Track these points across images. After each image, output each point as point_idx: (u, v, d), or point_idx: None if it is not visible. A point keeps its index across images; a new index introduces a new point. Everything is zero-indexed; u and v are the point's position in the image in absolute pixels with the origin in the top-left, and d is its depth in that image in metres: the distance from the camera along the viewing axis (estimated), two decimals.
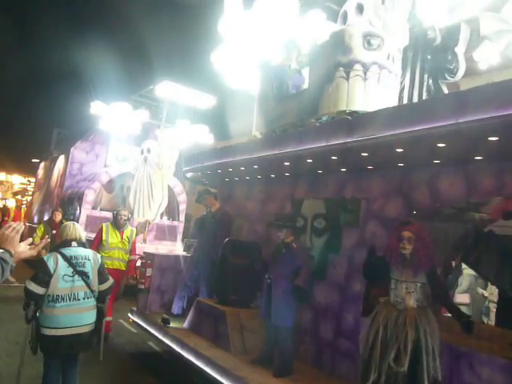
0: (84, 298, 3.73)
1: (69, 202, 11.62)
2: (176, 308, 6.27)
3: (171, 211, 12.47)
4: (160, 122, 11.98)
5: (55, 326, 3.60)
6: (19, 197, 29.99)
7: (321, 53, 4.37)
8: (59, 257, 3.70)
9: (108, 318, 6.65)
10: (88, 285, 3.76)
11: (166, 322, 5.85)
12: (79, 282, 3.72)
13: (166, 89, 10.07)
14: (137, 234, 7.27)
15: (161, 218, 11.04)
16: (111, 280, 4.05)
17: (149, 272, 6.45)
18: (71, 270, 3.71)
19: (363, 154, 3.81)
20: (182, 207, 12.59)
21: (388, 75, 4.32)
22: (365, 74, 4.19)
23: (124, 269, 6.82)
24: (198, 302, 5.76)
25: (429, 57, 4.52)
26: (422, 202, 3.97)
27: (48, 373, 3.75)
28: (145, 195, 10.77)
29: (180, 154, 10.75)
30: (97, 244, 6.85)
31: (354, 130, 3.69)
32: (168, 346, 5.37)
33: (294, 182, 5.55)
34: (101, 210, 11.90)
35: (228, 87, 6.39)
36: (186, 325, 5.83)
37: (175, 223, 12.43)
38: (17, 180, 35.76)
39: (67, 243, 3.82)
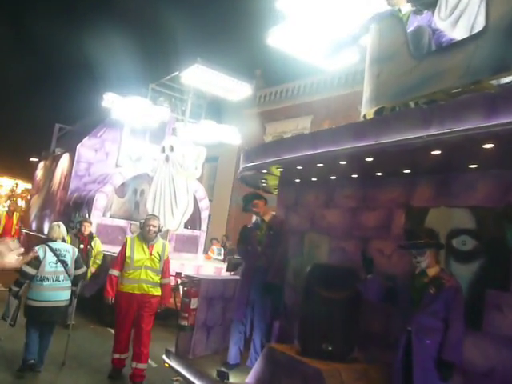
0: (63, 280, 5.03)
1: (75, 208, 9.95)
2: (233, 356, 4.63)
3: (192, 219, 10.79)
4: (180, 115, 10.38)
5: (41, 299, 4.87)
6: (6, 202, 28.13)
7: None
8: (47, 248, 5.01)
9: (141, 366, 5.07)
10: (67, 270, 5.07)
11: (223, 376, 4.22)
12: (60, 268, 5.03)
13: (197, 75, 8.46)
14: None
15: (184, 227, 9.40)
16: (84, 268, 5.53)
17: (194, 303, 4.81)
18: (55, 258, 5.01)
19: None
20: (205, 215, 10.95)
21: None
22: None
23: (156, 293, 5.26)
24: (271, 351, 4.11)
25: None
26: None
27: (30, 335, 4.94)
28: (166, 201, 9.13)
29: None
30: (120, 262, 5.27)
31: None
32: None
33: (408, 184, 3.96)
34: (111, 216, 10.23)
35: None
36: (250, 380, 4.20)
37: (196, 233, 10.79)
38: (6, 183, 33.66)
39: (53, 239, 5.15)
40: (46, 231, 11.70)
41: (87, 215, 9.38)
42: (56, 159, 12.38)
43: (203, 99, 10.16)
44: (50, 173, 12.87)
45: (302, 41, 5.32)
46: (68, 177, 10.88)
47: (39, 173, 14.36)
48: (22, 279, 4.92)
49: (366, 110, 3.63)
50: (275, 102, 18.77)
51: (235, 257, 6.99)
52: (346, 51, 4.66)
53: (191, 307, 4.78)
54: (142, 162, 10.86)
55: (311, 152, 3.74)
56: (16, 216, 13.52)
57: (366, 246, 4.10)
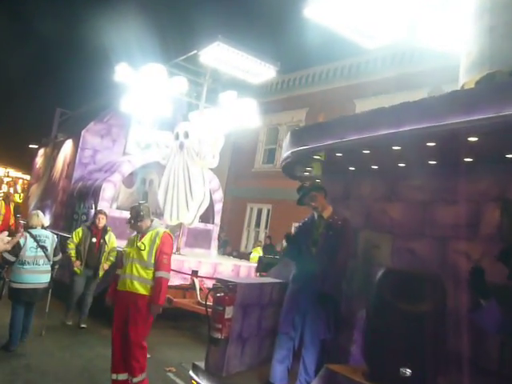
0: (43, 264, 5.52)
1: (80, 198, 9.16)
2: (278, 375, 3.90)
3: (205, 212, 10.03)
4: (193, 99, 9.58)
5: (22, 281, 5.38)
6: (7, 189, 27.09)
7: None
8: (28, 235, 5.47)
9: (136, 379, 4.32)
10: (46, 255, 5.55)
11: None
12: (40, 253, 5.50)
13: (217, 53, 7.63)
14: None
15: (199, 221, 8.64)
16: (61, 255, 5.91)
17: (229, 312, 4.05)
18: (35, 244, 5.49)
19: None
20: (218, 207, 10.19)
21: None
22: None
23: (142, 291, 4.34)
24: (331, 374, 3.37)
25: None
26: None
27: (15, 313, 5.47)
28: (180, 192, 8.37)
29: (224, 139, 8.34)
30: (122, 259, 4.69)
31: None
32: None
33: (504, 172, 3.22)
34: (117, 208, 9.44)
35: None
36: None
37: (209, 226, 10.03)
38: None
39: (34, 227, 5.62)
40: (47, 222, 10.91)
41: (93, 206, 8.61)
42: (58, 146, 11.57)
43: (219, 83, 9.33)
44: (51, 160, 12.06)
45: (346, 13, 4.64)
46: (71, 165, 10.08)
47: (39, 160, 13.55)
48: (3, 263, 5.26)
49: (468, 78, 2.85)
50: (271, 93, 18.21)
51: (266, 255, 6.24)
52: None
53: (226, 317, 4.02)
54: (151, 149, 10.06)
55: (392, 131, 2.98)
56: (12, 206, 12.74)
57: (476, 259, 3.31)
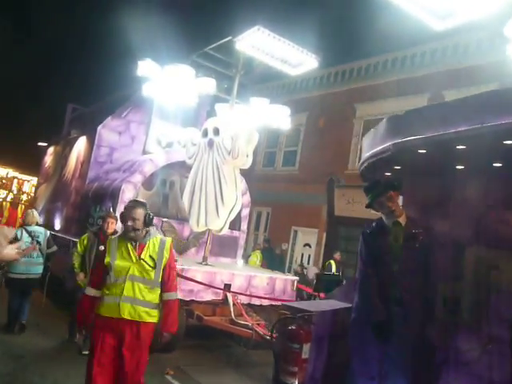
0: (36, 257, 6.13)
1: (95, 200, 8.28)
2: None
3: None
4: (222, 93, 8.71)
5: (17, 272, 5.99)
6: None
7: None
8: (24, 230, 6.09)
9: None
10: (40, 249, 6.14)
11: None
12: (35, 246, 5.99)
13: (256, 39, 6.73)
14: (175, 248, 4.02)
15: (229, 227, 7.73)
16: (55, 247, 6.52)
17: (306, 351, 3.14)
18: (30, 238, 6.05)
19: None
20: (245, 212, 9.28)
21: None
22: None
23: (149, 319, 3.38)
24: None
25: None
26: None
27: (11, 299, 6.15)
28: (209, 195, 7.48)
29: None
30: (98, 274, 3.48)
31: None
32: None
33: None
34: None
35: None
36: None
37: (236, 233, 9.11)
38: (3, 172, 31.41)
39: (29, 224, 6.23)
40: (57, 226, 10.05)
41: (111, 209, 7.71)
42: (70, 143, 10.70)
43: (250, 75, 8.46)
44: (61, 159, 11.19)
45: None
46: (86, 163, 9.20)
47: (48, 159, 12.69)
48: None
49: None
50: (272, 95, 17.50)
51: (325, 272, 5.32)
52: None
53: (303, 357, 3.11)
54: (173, 148, 9.19)
55: None
56: (21, 208, 11.88)
57: None
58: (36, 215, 6.42)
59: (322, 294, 5.32)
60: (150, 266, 3.39)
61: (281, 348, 3.21)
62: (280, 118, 8.14)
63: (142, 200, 3.72)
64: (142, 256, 3.40)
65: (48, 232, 6.49)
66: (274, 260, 12.64)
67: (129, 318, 3.30)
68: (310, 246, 15.61)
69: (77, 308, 3.46)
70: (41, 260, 6.20)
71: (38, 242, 6.10)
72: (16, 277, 6.02)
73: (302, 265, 13.44)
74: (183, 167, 9.22)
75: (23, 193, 24.57)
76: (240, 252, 9.24)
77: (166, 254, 3.48)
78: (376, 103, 13.61)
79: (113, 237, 3.66)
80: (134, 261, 3.39)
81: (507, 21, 4.65)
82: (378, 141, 3.29)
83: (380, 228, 3.44)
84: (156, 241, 3.50)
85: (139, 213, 3.43)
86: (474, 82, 10.76)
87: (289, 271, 13.71)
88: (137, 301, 3.33)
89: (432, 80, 12.04)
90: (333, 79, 15.64)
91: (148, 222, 3.43)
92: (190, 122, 9.59)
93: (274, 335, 3.40)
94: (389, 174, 3.80)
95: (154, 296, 3.41)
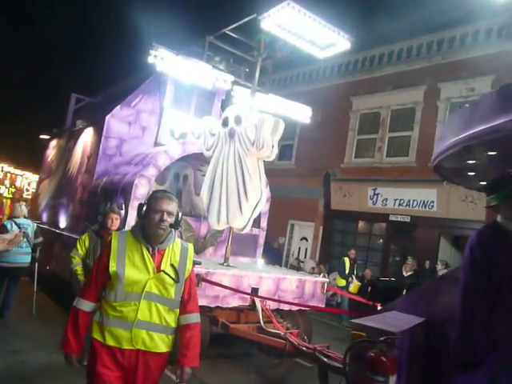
0: (25, 247, 6.63)
1: (105, 196, 7.64)
2: None
3: None
4: (241, 79, 8.07)
5: (7, 261, 6.44)
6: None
7: None
8: (13, 223, 6.60)
9: None
10: (28, 240, 6.61)
11: None
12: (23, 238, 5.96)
13: (284, 17, 6.05)
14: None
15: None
16: (41, 238, 7.16)
17: None
18: (19, 230, 5.89)
19: None
20: (265, 208, 8.66)
21: None
22: None
23: (163, 349, 2.59)
24: None
25: None
26: None
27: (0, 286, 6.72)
28: (231, 190, 6.85)
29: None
30: (97, 283, 2.60)
31: None
32: None
33: None
34: None
35: None
36: None
37: (255, 231, 8.49)
38: None
39: (17, 217, 6.78)
40: (62, 224, 9.40)
41: (123, 206, 7.08)
42: (75, 135, 10.02)
43: (271, 60, 7.81)
44: (65, 152, 10.52)
45: None
46: (93, 157, 8.54)
47: (51, 153, 12.00)
48: None
49: None
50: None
51: (381, 278, 4.69)
52: None
53: None
54: (187, 139, 8.54)
55: None
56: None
57: None
58: (24, 209, 7.04)
59: (378, 304, 4.69)
60: (171, 279, 2.55)
61: (359, 380, 2.60)
62: (300, 111, 7.50)
63: (167, 191, 2.85)
64: (163, 266, 2.55)
65: (35, 224, 7.09)
66: (271, 254, 12.07)
67: (143, 349, 2.51)
68: (306, 240, 15.83)
69: (66, 327, 2.56)
70: (29, 250, 6.77)
71: (26, 234, 6.48)
72: (7, 266, 6.53)
73: (298, 258, 13.60)
74: (197, 160, 8.58)
75: (15, 188, 23.90)
76: (259, 251, 8.63)
77: (189, 265, 2.67)
78: (372, 96, 13.62)
79: (118, 232, 2.70)
80: (152, 273, 2.52)
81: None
82: (478, 119, 2.65)
83: (496, 236, 2.63)
84: (176, 246, 2.65)
85: (173, 207, 2.57)
86: (470, 75, 11.02)
87: (286, 265, 13.49)
88: (153, 326, 2.53)
89: (428, 73, 12.05)
90: (329, 72, 15.35)
91: (177, 222, 2.60)
92: (204, 112, 8.95)
93: (346, 360, 2.77)
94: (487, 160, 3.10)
95: (172, 319, 2.61)
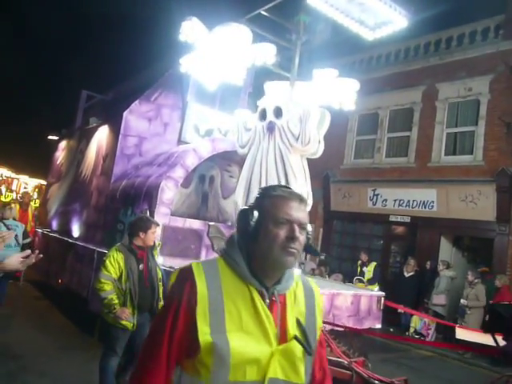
0: (14, 246, 6.43)
1: (125, 202, 6.77)
2: None
3: None
4: (276, 68, 7.17)
5: None
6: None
7: None
8: (2, 224, 6.57)
9: None
10: (17, 240, 6.60)
11: None
12: (13, 238, 6.05)
13: None
14: None
15: None
16: (30, 238, 7.40)
17: None
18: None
19: None
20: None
21: None
22: None
23: None
24: None
25: None
26: None
27: None
28: None
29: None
30: (168, 358, 1.36)
31: None
32: None
33: None
34: (172, 214, 7.01)
35: None
36: None
37: None
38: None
39: (7, 218, 6.82)
40: (75, 233, 8.55)
41: (147, 212, 6.21)
42: (87, 135, 9.17)
43: (309, 44, 6.94)
44: (77, 153, 9.67)
45: None
46: (110, 157, 7.67)
47: (60, 155, 11.16)
48: None
49: None
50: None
51: (499, 302, 3.78)
52: None
53: None
54: (213, 136, 7.67)
55: None
56: (31, 210, 10.42)
57: None
58: (13, 211, 7.27)
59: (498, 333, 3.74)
60: (304, 349, 1.40)
61: None
62: (345, 95, 6.61)
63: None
64: (289, 327, 1.42)
65: (23, 226, 7.32)
66: None
67: None
68: None
69: None
70: (18, 249, 6.88)
71: (16, 234, 6.77)
72: None
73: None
74: (224, 159, 7.74)
75: (11, 191, 23.20)
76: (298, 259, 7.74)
77: (320, 320, 1.54)
78: (371, 97, 13.17)
79: (200, 264, 1.45)
80: (274, 341, 1.39)
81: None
82: None
83: None
84: (299, 288, 1.52)
85: (306, 214, 1.47)
86: (468, 75, 10.98)
87: None
88: None
89: (426, 73, 12.00)
90: None
91: (311, 243, 1.51)
92: (230, 107, 8.08)
93: None
94: None
95: None
